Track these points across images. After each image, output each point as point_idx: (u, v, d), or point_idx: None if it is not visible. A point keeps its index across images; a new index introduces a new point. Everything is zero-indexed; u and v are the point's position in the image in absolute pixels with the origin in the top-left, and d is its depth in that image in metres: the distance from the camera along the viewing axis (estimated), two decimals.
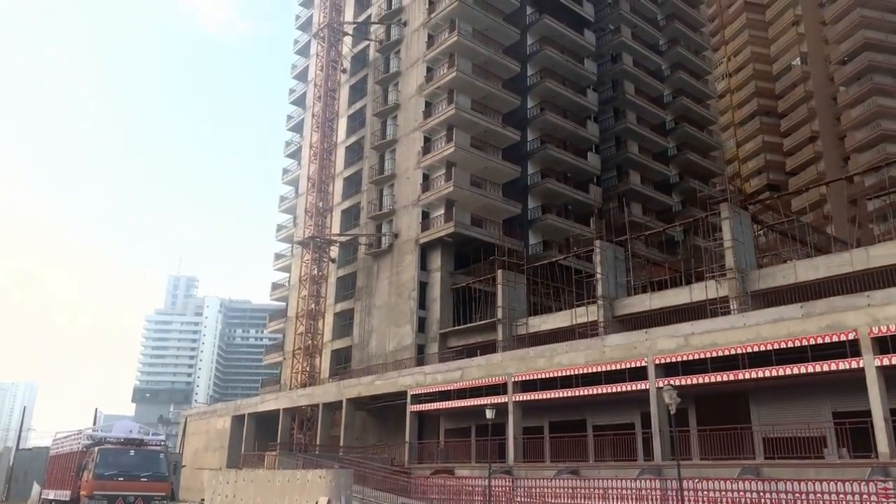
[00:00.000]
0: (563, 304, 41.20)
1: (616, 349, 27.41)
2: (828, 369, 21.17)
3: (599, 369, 27.64)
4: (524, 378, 30.63)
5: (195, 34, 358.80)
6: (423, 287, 45.63)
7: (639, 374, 26.49)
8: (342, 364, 50.47)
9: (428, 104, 48.08)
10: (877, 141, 68.95)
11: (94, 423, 24.23)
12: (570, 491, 25.52)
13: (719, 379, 23.40)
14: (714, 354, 24.12)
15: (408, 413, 35.98)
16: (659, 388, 25.45)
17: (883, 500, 18.26)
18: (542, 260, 43.77)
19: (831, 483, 19.39)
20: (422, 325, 45.09)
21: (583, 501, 24.79)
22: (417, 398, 36.02)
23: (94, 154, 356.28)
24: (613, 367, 27.13)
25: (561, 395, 29.05)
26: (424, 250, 46.13)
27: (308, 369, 47.76)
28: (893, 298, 20.53)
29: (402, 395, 37.10)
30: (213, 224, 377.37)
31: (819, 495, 19.50)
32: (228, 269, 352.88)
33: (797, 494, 19.96)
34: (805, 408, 23.64)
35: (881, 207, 58.58)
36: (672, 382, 24.83)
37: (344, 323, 51.56)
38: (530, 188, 49.77)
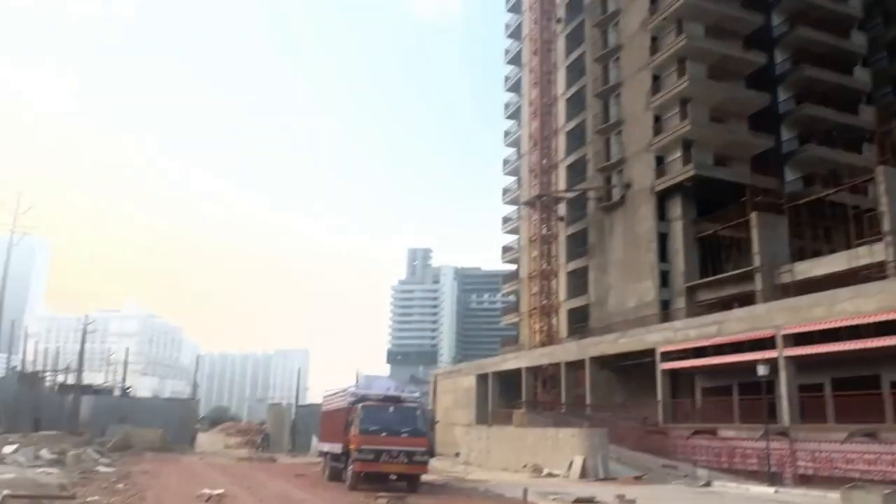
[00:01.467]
0: (835, 247, 35.76)
1: None
2: None
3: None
4: (796, 330, 26.83)
5: (402, 4, 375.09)
6: (662, 238, 42.50)
7: None
8: (579, 323, 49.23)
9: (654, 39, 44.24)
10: None
11: (356, 382, 25.96)
12: (869, 457, 21.84)
13: None
14: None
15: (658, 371, 33.75)
16: None
17: None
18: (805, 197, 38.22)
19: None
20: (664, 280, 42.11)
21: (886, 468, 21.06)
22: (668, 356, 33.59)
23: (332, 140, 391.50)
24: None
25: (846, 348, 24.94)
26: (661, 199, 42.84)
27: (545, 329, 47.30)
28: None
29: (650, 352, 34.89)
30: (441, 196, 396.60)
31: None
32: (459, 239, 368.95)
33: None
34: None
35: None
36: None
37: (578, 281, 50.14)
38: (783, 117, 43.77)
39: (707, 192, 41.42)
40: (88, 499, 12.88)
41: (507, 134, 63.82)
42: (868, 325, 24.14)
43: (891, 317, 23.30)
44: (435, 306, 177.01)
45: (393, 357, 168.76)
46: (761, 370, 22.88)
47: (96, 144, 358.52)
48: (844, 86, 44.64)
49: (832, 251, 35.28)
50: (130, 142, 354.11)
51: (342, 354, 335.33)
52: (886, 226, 30.65)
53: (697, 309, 38.58)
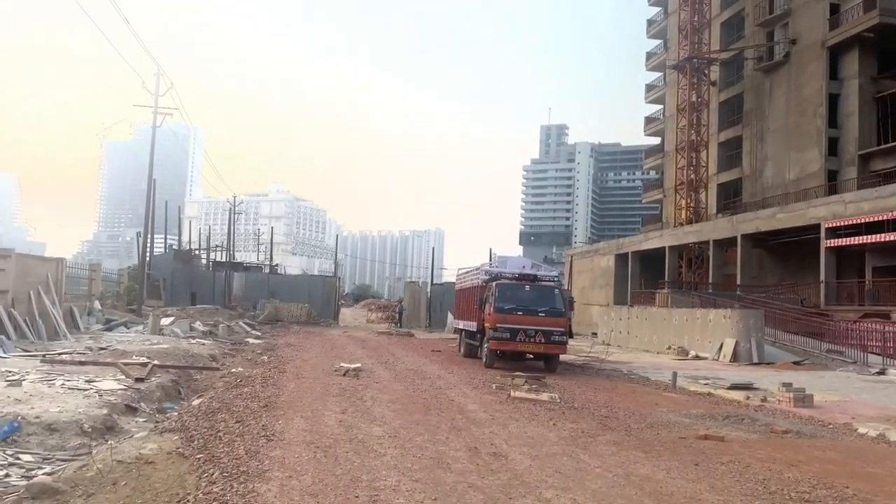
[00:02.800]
0: None
1: None
2: None
3: None
4: None
5: None
6: (832, 101, 37.36)
7: None
8: (731, 198, 45.52)
9: None
10: None
11: (490, 261, 25.46)
12: None
13: None
14: None
15: (822, 249, 30.55)
16: None
17: None
18: None
19: None
20: (832, 148, 37.40)
21: None
22: (834, 231, 30.18)
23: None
24: None
25: None
26: (834, 55, 37.29)
27: (693, 205, 44.21)
28: None
29: (811, 229, 31.56)
30: (577, 69, 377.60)
31: None
32: (596, 115, 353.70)
33: None
34: None
35: None
36: None
37: (730, 153, 45.91)
38: None
39: (891, 43, 35.44)
40: (233, 370, 13.32)
41: None
42: None
43: None
44: (569, 186, 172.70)
45: (526, 238, 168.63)
46: None
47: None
48: None
49: None
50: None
51: (475, 235, 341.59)
52: None
53: (871, 180, 34.12)
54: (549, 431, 8.52)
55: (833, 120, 37.32)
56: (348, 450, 6.77)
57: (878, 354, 22.63)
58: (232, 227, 50.11)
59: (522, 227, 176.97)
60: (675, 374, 15.06)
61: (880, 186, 29.71)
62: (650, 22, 58.21)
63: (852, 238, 29.45)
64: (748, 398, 12.81)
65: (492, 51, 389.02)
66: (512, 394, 11.55)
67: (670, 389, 14.39)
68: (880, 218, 27.71)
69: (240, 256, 77.13)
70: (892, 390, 15.35)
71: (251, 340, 21.78)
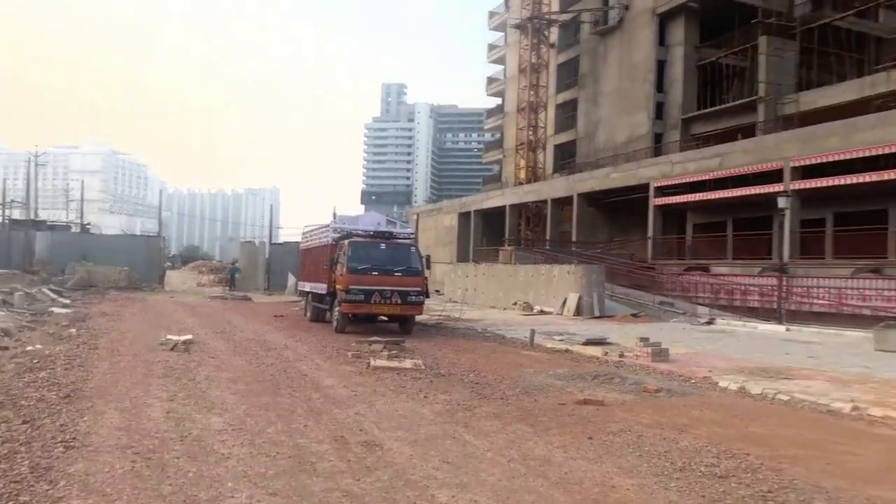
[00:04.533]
0: (843, 76, 33.20)
1: None
2: None
3: None
4: (807, 162, 25.04)
5: None
6: (660, 67, 39.35)
7: None
8: (566, 159, 47.09)
9: None
10: None
11: (333, 220, 24.15)
12: (876, 293, 20.91)
13: None
14: None
15: (650, 207, 32.28)
16: None
17: None
18: (819, 21, 34.92)
19: None
20: (659, 112, 39.55)
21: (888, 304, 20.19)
22: (662, 190, 31.95)
23: None
24: None
25: (862, 180, 23.30)
26: (663, 22, 39.16)
27: (532, 165, 45.19)
28: None
29: (639, 188, 33.23)
30: (416, 27, 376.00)
31: None
32: (435, 74, 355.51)
33: None
34: None
35: None
36: None
37: (567, 115, 47.32)
38: None
39: (712, 14, 37.81)
40: (28, 347, 10.94)
41: None
42: (888, 155, 22.38)
43: None
44: (409, 145, 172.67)
45: (367, 197, 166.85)
46: (782, 202, 21.27)
47: None
48: None
49: (839, 81, 32.79)
50: None
51: (315, 194, 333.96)
52: None
53: (692, 142, 36.54)
54: (422, 407, 7.53)
55: (661, 85, 39.39)
56: (180, 454, 5.29)
57: (705, 304, 24.27)
58: (30, 180, 43.68)
59: (364, 186, 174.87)
60: (532, 332, 14.76)
61: (703, 148, 31.78)
62: None
63: (679, 196, 31.32)
64: (606, 354, 12.71)
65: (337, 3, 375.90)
66: (372, 362, 10.45)
67: (528, 347, 14.05)
68: (703, 178, 29.64)
69: (45, 215, 68.45)
70: (728, 339, 16.17)
71: (57, 310, 18.73)
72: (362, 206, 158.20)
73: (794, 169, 25.53)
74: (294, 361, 10.88)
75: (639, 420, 7.17)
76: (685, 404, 8.26)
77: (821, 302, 21.59)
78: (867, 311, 20.22)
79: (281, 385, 8.66)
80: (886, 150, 22.39)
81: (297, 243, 27.47)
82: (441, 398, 8.06)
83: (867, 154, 22.98)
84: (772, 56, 33.51)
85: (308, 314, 19.16)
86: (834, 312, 21.55)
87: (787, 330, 18.52)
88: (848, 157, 23.68)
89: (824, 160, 24.50)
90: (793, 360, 12.24)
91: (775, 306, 21.81)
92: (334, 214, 37.30)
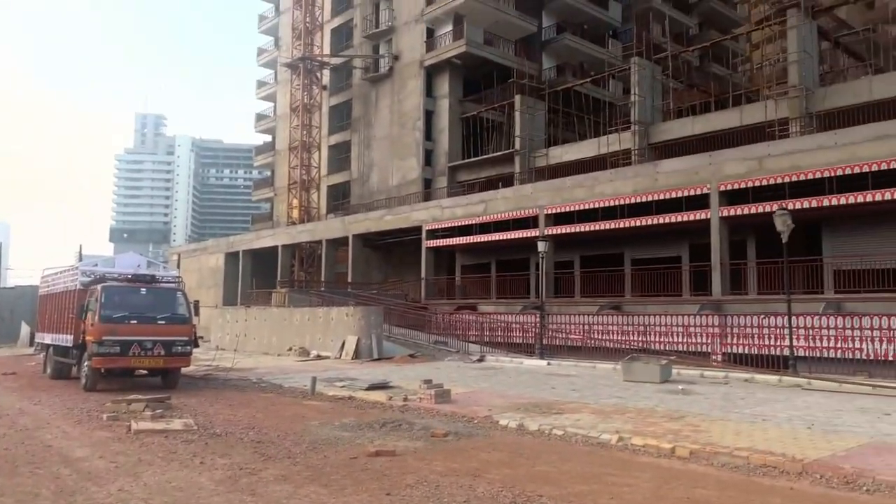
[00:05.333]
0: (583, 135, 37.70)
1: (672, 176, 24.37)
2: None
3: (650, 198, 24.75)
4: (559, 210, 27.77)
5: None
6: (429, 116, 41.44)
7: (696, 202, 23.70)
8: (340, 199, 47.23)
9: None
10: None
11: (79, 260, 21.39)
12: (617, 328, 23.58)
13: (801, 206, 20.58)
14: (794, 179, 21.21)
15: (423, 249, 33.43)
16: (724, 218, 22.92)
17: None
18: (563, 85, 39.46)
19: None
20: (429, 159, 41.48)
21: (632, 337, 22.89)
22: (433, 233, 33.30)
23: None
24: (667, 196, 24.24)
25: (601, 227, 26.37)
26: (430, 74, 41.41)
27: (305, 204, 44.57)
28: None
29: (412, 230, 34.38)
30: (176, 56, 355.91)
31: None
32: (198, 107, 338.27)
33: (885, 331, 17.95)
34: (889, 237, 21.17)
35: None
36: (742, 211, 22.26)
37: (340, 156, 47.63)
38: (546, 2, 44.22)
39: (474, 70, 40.94)
40: None
41: None
42: (623, 206, 25.64)
43: (645, 198, 24.90)
44: (168, 180, 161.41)
45: (118, 235, 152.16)
46: (541, 246, 23.14)
47: None
48: None
49: (580, 139, 37.18)
50: None
51: (54, 232, 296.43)
52: (636, 115, 32.70)
53: (459, 189, 38.80)
54: (198, 475, 6.70)
55: (429, 133, 41.41)
56: None
57: (475, 342, 25.46)
58: None
59: (114, 222, 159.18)
60: (314, 380, 14.20)
61: (470, 195, 33.81)
62: (262, 18, 57.20)
63: (448, 239, 32.85)
64: (391, 398, 12.62)
65: (81, 22, 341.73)
66: (133, 426, 9.19)
67: (310, 396, 13.49)
68: (469, 222, 31.45)
69: None
70: (500, 376, 17.02)
71: None
72: (112, 245, 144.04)
73: (548, 216, 28.16)
74: (34, 430, 9.21)
75: (433, 469, 7.09)
76: (473, 447, 8.39)
77: (574, 336, 23.77)
78: (611, 345, 22.68)
79: (18, 461, 7.21)
80: (622, 202, 25.64)
81: (33, 287, 23.89)
82: (220, 462, 7.29)
83: (607, 204, 26.11)
84: (525, 113, 36.97)
85: (49, 370, 16.57)
86: (587, 346, 23.89)
87: (549, 364, 20.06)
88: (591, 206, 26.69)
89: (572, 209, 27.36)
90: (559, 394, 13.18)
91: (536, 342, 23.55)
92: (80, 255, 33.25)
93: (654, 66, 33.78)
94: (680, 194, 23.97)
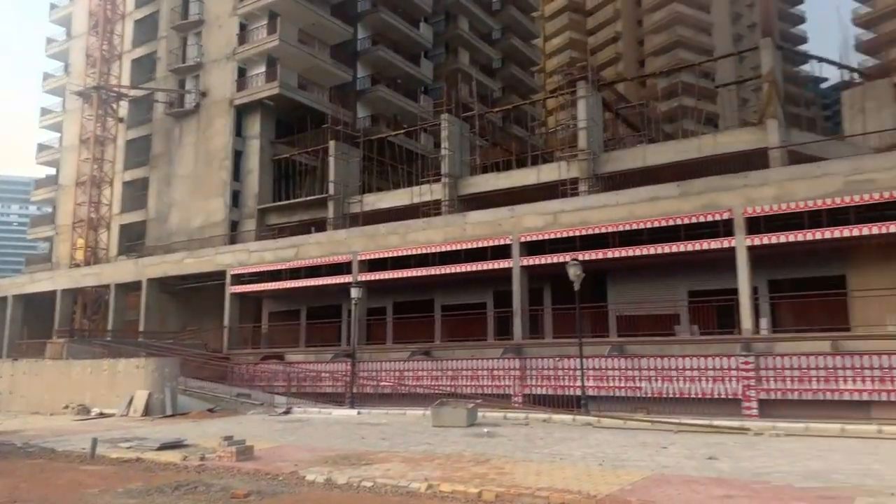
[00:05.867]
0: (397, 184, 38.57)
1: (479, 227, 25.55)
2: (702, 248, 21.11)
3: (459, 247, 25.72)
4: (372, 256, 27.87)
5: None
6: (238, 156, 39.94)
7: (500, 252, 25.02)
8: (134, 240, 43.56)
9: None
10: (672, 46, 73.48)
11: None
12: (427, 373, 23.95)
13: (589, 258, 22.48)
14: (584, 233, 23.20)
15: (227, 295, 31.75)
16: (524, 267, 24.37)
17: (744, 372, 18.81)
18: (378, 134, 40.22)
19: (697, 359, 19.64)
20: (236, 200, 39.80)
21: (448, 382, 23.37)
22: (239, 278, 31.78)
23: None
24: (475, 245, 25.35)
25: (414, 274, 26.86)
26: (240, 113, 40.11)
27: (92, 245, 40.54)
28: (769, 179, 20.72)
29: (216, 275, 32.62)
30: None
31: (681, 371, 19.74)
32: None
33: (660, 371, 20.06)
34: (662, 287, 23.82)
35: (669, 110, 63.09)
36: (540, 260, 23.84)
37: (136, 193, 44.13)
38: (360, 54, 45.14)
39: (287, 113, 40.39)
40: None
41: (53, 7, 51.93)
42: (435, 254, 26.37)
43: (455, 247, 25.82)
44: None
45: None
46: (354, 293, 22.94)
47: None
48: (412, 37, 48.30)
49: (395, 187, 37.96)
50: None
51: None
52: (446, 168, 34.07)
53: (269, 232, 37.59)
54: None
55: (238, 174, 39.83)
56: None
57: (281, 393, 24.41)
58: None
59: None
60: (94, 441, 12.61)
61: (280, 239, 32.85)
62: (50, 41, 52.12)
63: (255, 285, 31.50)
64: (185, 458, 11.55)
65: None
66: None
67: (89, 461, 11.95)
68: (279, 267, 30.48)
69: None
70: (307, 428, 16.35)
71: None
72: None
73: (362, 262, 28.11)
74: None
75: None
76: None
77: (385, 384, 23.70)
78: (422, 390, 22.91)
79: None
80: (433, 250, 26.35)
81: None
82: None
83: (419, 252, 26.67)
84: (340, 159, 36.97)
85: None
86: (398, 393, 23.90)
87: (360, 413, 19.73)
88: (404, 253, 27.11)
89: (386, 255, 27.59)
90: (369, 444, 12.93)
91: (347, 391, 23.12)
92: None
93: (462, 124, 35.56)
94: (486, 244, 25.16)
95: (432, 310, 28.61)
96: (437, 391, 22.51)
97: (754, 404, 18.37)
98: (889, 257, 19.89)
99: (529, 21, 64.40)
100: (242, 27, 40.40)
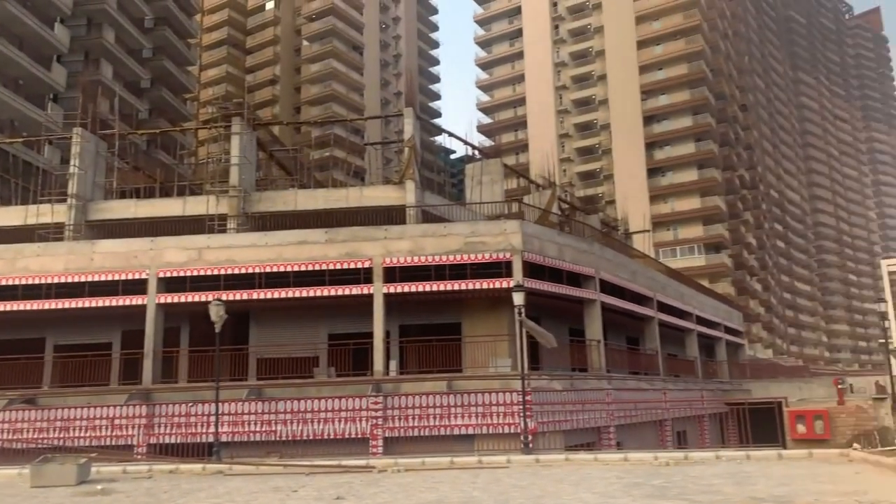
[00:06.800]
0: (7, 199, 32.89)
1: (110, 257, 23.12)
2: (344, 293, 22.21)
3: (84, 279, 22.85)
4: None
5: None
6: None
7: (134, 287, 22.93)
8: None
9: None
10: (327, 99, 77.52)
11: None
12: (30, 425, 20.57)
13: (234, 297, 21.95)
14: (230, 271, 22.65)
15: None
16: (161, 304, 22.69)
17: (373, 412, 20.18)
18: None
19: (332, 400, 20.44)
20: None
21: (57, 435, 20.26)
22: None
23: None
24: (104, 278, 22.81)
25: (20, 308, 22.98)
26: None
27: None
28: (405, 234, 22.91)
29: None
30: None
31: (316, 413, 20.35)
32: None
33: (296, 413, 20.41)
34: (304, 329, 24.31)
35: (321, 159, 66.22)
36: (180, 298, 22.51)
37: None
38: None
39: None
40: None
41: None
42: (52, 285, 22.97)
43: (78, 279, 22.88)
44: None
45: None
46: None
47: None
48: (43, 37, 42.48)
49: (4, 203, 32.31)
50: None
51: None
52: (74, 188, 30.14)
53: None
54: None
55: None
56: None
57: None
58: None
59: None
60: None
61: None
62: None
63: None
64: None
65: None
66: None
67: None
68: None
69: None
70: None
71: None
72: None
73: None
74: None
75: None
76: None
77: None
78: (23, 445, 19.50)
79: None
80: (50, 280, 22.92)
81: None
82: None
83: (31, 281, 22.94)
84: None
85: None
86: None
87: None
88: (11, 282, 23.04)
89: None
90: None
91: None
92: None
93: (99, 141, 31.98)
94: (117, 277, 22.83)
95: (42, 350, 24.73)
96: (43, 445, 19.39)
97: (380, 442, 19.67)
98: (494, 308, 23.40)
99: (185, 46, 61.52)
100: None
